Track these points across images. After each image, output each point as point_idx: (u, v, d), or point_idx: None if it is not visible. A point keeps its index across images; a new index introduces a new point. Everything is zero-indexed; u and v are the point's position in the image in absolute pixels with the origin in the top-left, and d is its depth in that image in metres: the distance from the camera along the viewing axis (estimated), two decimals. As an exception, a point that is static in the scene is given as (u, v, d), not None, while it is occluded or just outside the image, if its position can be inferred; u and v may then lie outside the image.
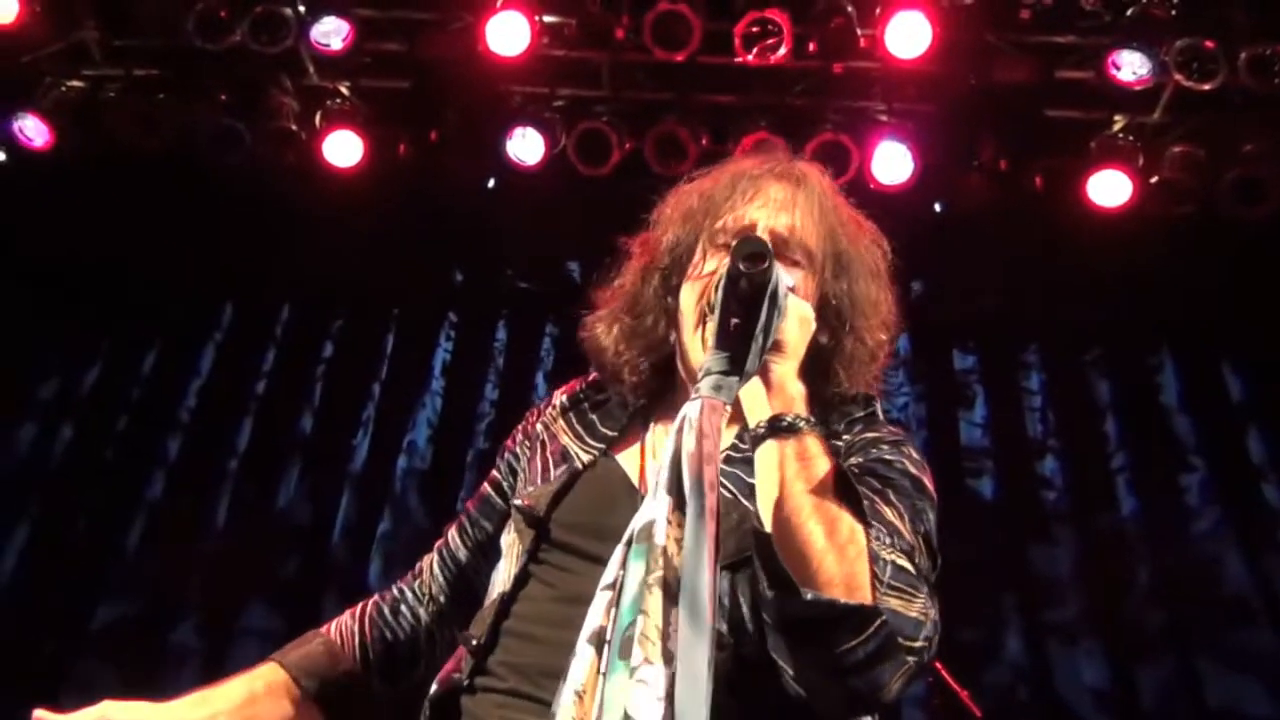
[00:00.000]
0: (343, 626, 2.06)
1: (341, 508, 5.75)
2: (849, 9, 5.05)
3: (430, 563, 2.12)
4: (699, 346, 1.77)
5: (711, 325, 1.63)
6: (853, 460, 1.76)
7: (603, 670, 1.34)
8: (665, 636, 1.32)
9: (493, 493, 2.08)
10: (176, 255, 6.07)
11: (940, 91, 5.26)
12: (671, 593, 1.35)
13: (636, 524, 1.44)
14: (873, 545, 1.54)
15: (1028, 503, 5.67)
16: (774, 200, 1.89)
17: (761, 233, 1.80)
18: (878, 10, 4.97)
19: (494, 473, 2.10)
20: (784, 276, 1.63)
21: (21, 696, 5.03)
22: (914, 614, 1.53)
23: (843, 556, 1.49)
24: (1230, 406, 5.78)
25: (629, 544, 1.43)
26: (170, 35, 5.23)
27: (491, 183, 5.79)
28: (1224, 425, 5.73)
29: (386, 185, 5.57)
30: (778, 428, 1.58)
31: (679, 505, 1.41)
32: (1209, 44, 4.84)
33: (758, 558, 1.50)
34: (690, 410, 1.50)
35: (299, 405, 6.06)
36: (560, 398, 2.08)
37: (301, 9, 5.10)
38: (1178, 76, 4.87)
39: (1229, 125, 5.17)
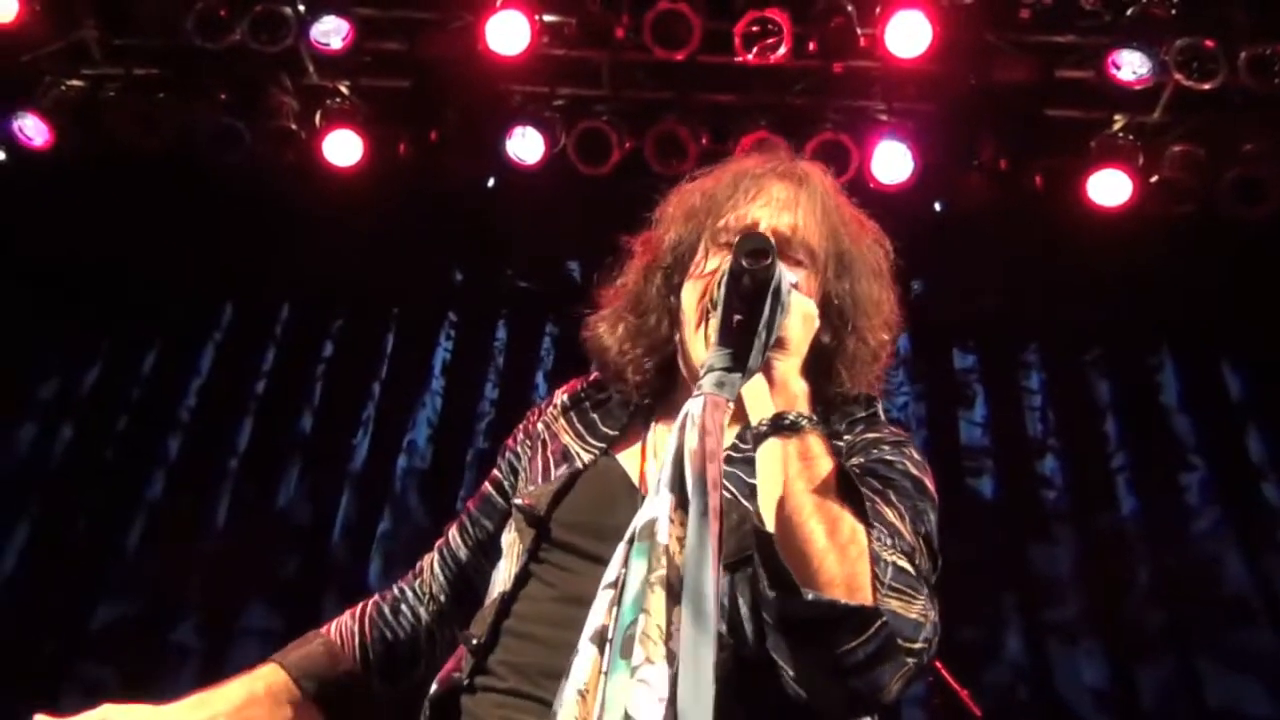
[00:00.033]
0: (343, 627, 2.05)
1: (341, 507, 5.75)
2: (849, 8, 5.05)
3: (431, 562, 2.12)
4: (700, 345, 1.77)
5: (714, 322, 1.63)
6: (854, 461, 1.76)
7: (605, 669, 1.34)
8: (667, 636, 1.32)
9: (494, 492, 2.08)
10: (176, 255, 6.07)
11: (940, 91, 5.26)
12: (674, 592, 1.34)
13: (639, 521, 1.43)
14: (874, 546, 1.53)
15: (1028, 502, 5.66)
16: (776, 199, 1.89)
17: (764, 231, 1.80)
18: (877, 9, 4.97)
19: (495, 472, 2.10)
20: (787, 273, 1.62)
21: (21, 696, 5.06)
22: (914, 616, 1.53)
23: (844, 557, 1.49)
24: (1230, 406, 5.78)
25: (631, 542, 1.42)
26: (170, 34, 5.22)
27: (491, 182, 5.78)
28: (1224, 425, 5.73)
29: (386, 185, 5.57)
30: (780, 426, 1.58)
31: (681, 503, 1.40)
32: (1209, 43, 4.84)
33: (759, 557, 1.50)
34: (693, 407, 1.49)
35: (299, 405, 6.06)
36: (561, 397, 2.08)
37: (301, 8, 5.09)
38: (1178, 76, 4.87)
39: (1229, 125, 5.17)
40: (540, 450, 1.99)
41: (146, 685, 5.03)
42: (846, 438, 1.82)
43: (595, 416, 2.00)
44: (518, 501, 1.91)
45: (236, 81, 5.40)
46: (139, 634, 5.41)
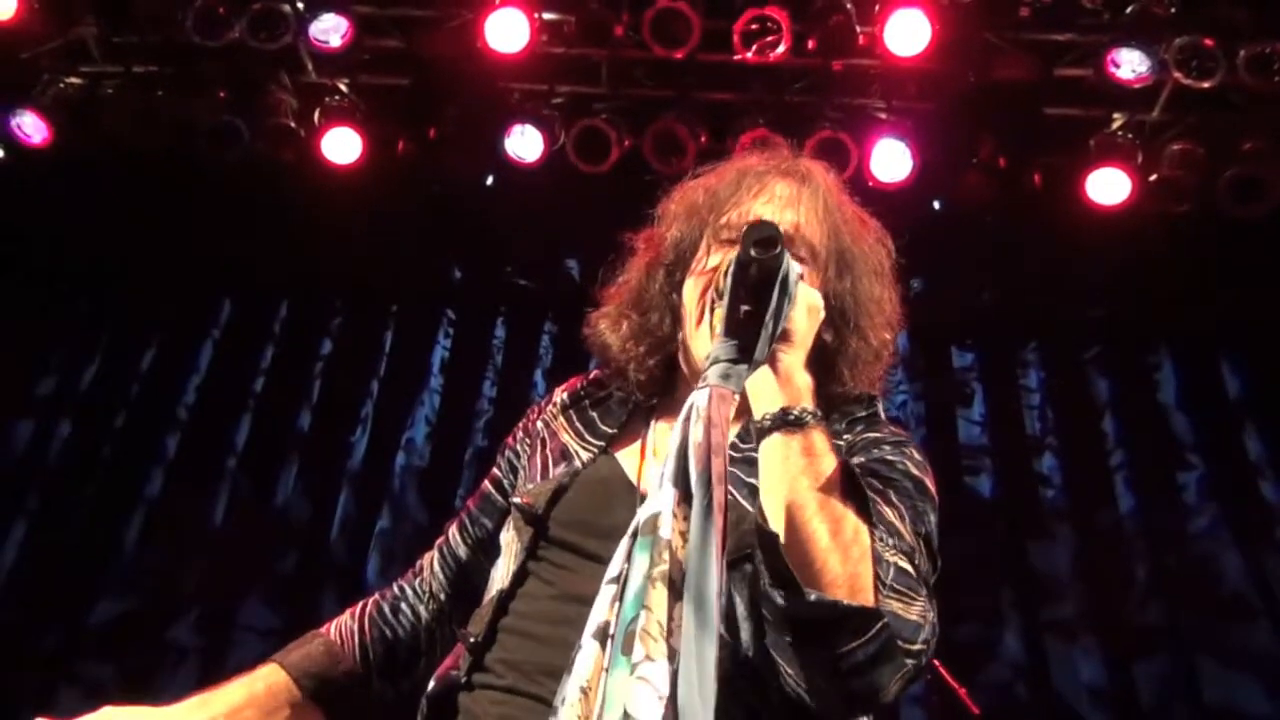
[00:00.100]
0: (343, 626, 2.05)
1: (340, 505, 5.75)
2: (848, 6, 5.05)
3: (431, 560, 2.12)
4: (702, 341, 1.77)
5: (720, 313, 1.60)
6: (854, 460, 1.75)
7: (605, 666, 1.33)
8: (668, 633, 1.31)
9: (493, 490, 2.08)
10: (175, 252, 6.07)
11: (939, 89, 5.26)
12: (675, 588, 1.33)
13: (642, 515, 1.42)
14: (876, 546, 1.53)
15: (1026, 500, 5.67)
16: (779, 197, 1.89)
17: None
18: (877, 8, 4.98)
19: (494, 470, 2.10)
20: (794, 263, 1.60)
21: (20, 693, 5.06)
22: (913, 617, 1.53)
23: (847, 557, 1.49)
24: (1228, 404, 5.79)
25: (634, 536, 1.41)
26: (169, 32, 5.22)
27: (490, 180, 5.78)
28: (1222, 423, 5.74)
29: (385, 182, 5.57)
30: (784, 421, 1.57)
31: (685, 497, 1.39)
32: (1208, 42, 4.85)
33: (762, 555, 1.50)
34: (698, 399, 1.48)
35: (297, 402, 6.06)
36: (561, 395, 2.07)
37: (300, 6, 5.10)
38: (1177, 74, 4.88)
39: (1228, 123, 5.18)
40: (539, 449, 1.99)
41: (145, 682, 5.03)
42: (846, 437, 1.82)
43: (594, 415, 2.00)
44: (516, 500, 1.91)
45: (235, 79, 5.40)
46: (137, 631, 5.41)
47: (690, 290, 1.86)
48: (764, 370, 1.58)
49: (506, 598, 1.81)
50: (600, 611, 1.39)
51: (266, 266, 6.18)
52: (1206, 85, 4.86)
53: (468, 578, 2.04)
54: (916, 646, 1.51)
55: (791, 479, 1.53)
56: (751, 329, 1.55)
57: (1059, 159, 5.34)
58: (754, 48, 5.04)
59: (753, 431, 1.62)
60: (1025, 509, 5.64)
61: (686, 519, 1.37)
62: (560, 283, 6.17)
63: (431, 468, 5.89)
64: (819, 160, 2.00)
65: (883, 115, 5.35)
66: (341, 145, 5.39)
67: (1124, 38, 4.95)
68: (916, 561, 1.61)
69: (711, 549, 1.32)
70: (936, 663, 3.35)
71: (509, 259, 6.31)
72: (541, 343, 6.17)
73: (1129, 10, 5.02)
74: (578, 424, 1.99)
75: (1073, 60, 5.19)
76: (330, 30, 5.15)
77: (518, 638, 1.76)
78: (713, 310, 1.76)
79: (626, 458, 1.88)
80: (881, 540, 1.56)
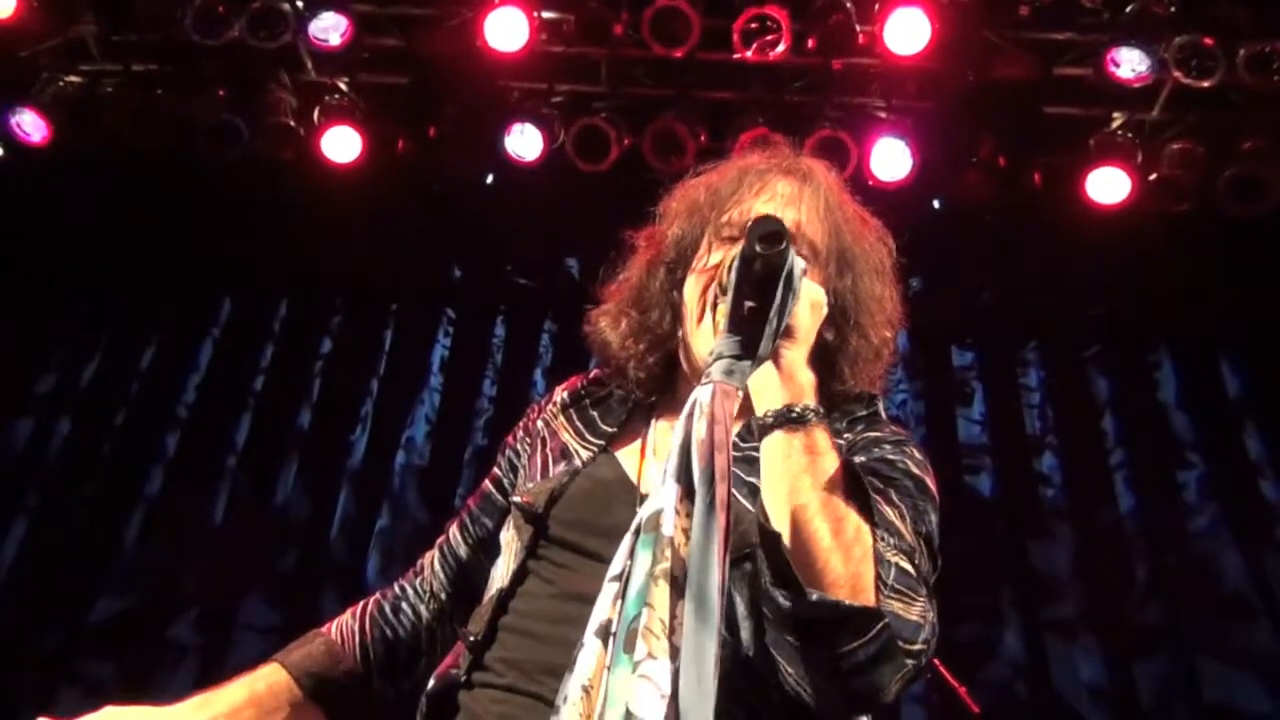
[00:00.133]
0: (343, 626, 2.05)
1: (339, 503, 5.75)
2: (848, 5, 5.05)
3: (431, 559, 2.12)
4: (703, 339, 1.77)
5: (723, 308, 1.60)
6: (855, 459, 1.74)
7: (608, 664, 1.32)
8: (671, 631, 1.30)
9: (493, 489, 2.08)
10: (174, 250, 6.07)
11: (939, 88, 5.26)
12: (678, 585, 1.32)
13: (645, 512, 1.41)
14: (878, 546, 1.53)
15: (1026, 499, 5.67)
16: (780, 195, 1.89)
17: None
18: (876, 7, 4.98)
19: (495, 469, 2.10)
20: (798, 259, 1.59)
21: (20, 692, 5.06)
22: (914, 617, 1.53)
23: (848, 557, 1.49)
24: (1228, 403, 5.79)
25: (637, 533, 1.40)
26: (169, 30, 5.22)
27: (490, 179, 5.78)
28: (1222, 422, 5.74)
29: (385, 181, 5.57)
30: (787, 419, 1.56)
31: (687, 494, 1.38)
32: (1208, 41, 4.85)
33: (764, 555, 1.49)
34: (701, 395, 1.47)
35: (297, 401, 6.06)
36: (561, 394, 2.07)
37: (300, 4, 5.10)
38: (1177, 73, 4.88)
39: (1228, 122, 5.18)
40: (539, 448, 1.99)
41: (145, 681, 5.03)
42: (847, 436, 1.81)
43: (595, 414, 2.00)
44: (516, 499, 1.91)
45: (235, 78, 5.40)
46: (137, 630, 5.41)
47: (691, 288, 1.86)
48: (767, 366, 1.57)
49: (506, 596, 1.81)
50: (602, 609, 1.38)
51: (266, 265, 6.18)
52: (1206, 84, 4.86)
53: (468, 577, 2.04)
54: (917, 647, 1.51)
55: (793, 477, 1.53)
56: (755, 325, 1.54)
57: (1059, 158, 5.35)
58: (754, 46, 5.04)
59: (755, 429, 1.62)
60: (1025, 508, 5.64)
61: (689, 516, 1.36)
62: (560, 281, 6.17)
63: (431, 466, 5.89)
64: (820, 159, 2.00)
65: (882, 114, 5.35)
66: (341, 144, 5.40)
67: (1124, 37, 4.95)
68: (917, 561, 1.60)
69: (713, 546, 1.32)
70: (936, 662, 3.35)
71: (509, 258, 6.31)
72: (541, 341, 6.17)
73: (1129, 9, 5.03)
74: (578, 423, 1.99)
75: (1072, 59, 5.19)
76: (330, 29, 5.16)
77: (518, 636, 1.76)
78: (715, 307, 1.75)
79: (627, 457, 1.88)
80: (883, 540, 1.56)
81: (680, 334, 1.88)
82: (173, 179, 5.66)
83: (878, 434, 1.82)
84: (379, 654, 2.02)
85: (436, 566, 2.10)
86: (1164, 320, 5.95)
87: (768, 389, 1.59)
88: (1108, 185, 5.18)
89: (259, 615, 5.45)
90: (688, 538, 1.35)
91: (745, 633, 1.57)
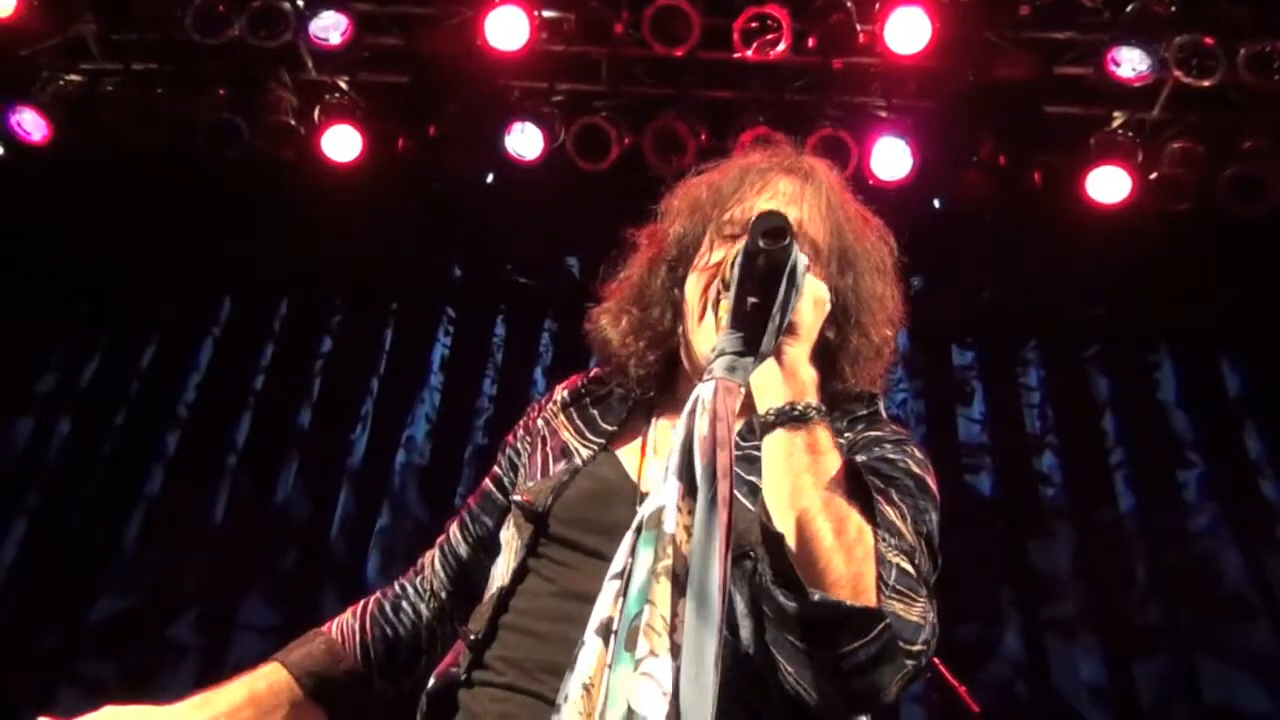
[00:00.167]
0: (344, 625, 2.05)
1: (340, 503, 5.75)
2: (848, 4, 5.05)
3: (432, 558, 2.12)
4: (704, 337, 1.77)
5: (726, 304, 1.59)
6: (856, 459, 1.75)
7: (609, 662, 1.32)
8: (672, 628, 1.30)
9: (493, 488, 2.08)
10: (175, 249, 6.07)
11: (939, 87, 5.26)
12: (680, 583, 1.32)
13: (646, 510, 1.41)
14: (879, 547, 1.53)
15: (1026, 499, 5.67)
16: (782, 193, 1.89)
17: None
18: (877, 6, 4.98)
19: (495, 468, 2.10)
20: (801, 255, 1.58)
21: (20, 692, 5.06)
22: (914, 618, 1.52)
23: (850, 557, 1.48)
24: (1228, 403, 5.79)
25: (639, 530, 1.40)
26: (169, 29, 5.22)
27: (490, 178, 5.78)
28: (1222, 421, 5.74)
29: (385, 180, 5.57)
30: (789, 417, 1.56)
31: (689, 491, 1.38)
32: (1208, 40, 4.85)
33: (767, 555, 1.49)
34: (704, 391, 1.47)
35: (297, 400, 6.06)
36: (561, 393, 2.07)
37: (300, 3, 5.10)
38: (1177, 73, 4.88)
39: (1228, 122, 5.18)
40: (540, 446, 1.99)
41: (145, 681, 5.03)
42: (848, 435, 1.81)
43: (595, 412, 2.00)
44: (516, 498, 1.91)
45: (235, 77, 5.40)
46: (137, 629, 5.41)
47: (692, 285, 1.86)
48: (769, 363, 1.57)
49: (507, 595, 1.81)
50: (604, 607, 1.38)
51: (266, 264, 6.18)
52: (1207, 84, 4.86)
53: (469, 576, 2.04)
54: (917, 647, 1.51)
55: (795, 476, 1.52)
56: (758, 321, 1.54)
57: (1059, 157, 5.35)
58: (754, 46, 5.04)
59: (756, 426, 1.61)
60: (1025, 507, 5.64)
61: (691, 513, 1.36)
62: (560, 280, 6.17)
63: (431, 465, 5.89)
64: (821, 158, 2.00)
65: (883, 113, 5.35)
66: (341, 143, 5.40)
67: (1124, 36, 4.95)
68: (917, 561, 1.60)
69: (715, 544, 1.31)
70: (936, 661, 3.35)
71: (509, 257, 6.31)
72: (541, 340, 6.17)
73: (1129, 9, 5.03)
74: (578, 421, 1.99)
75: (1073, 59, 5.19)
76: (330, 28, 5.16)
77: (518, 635, 1.76)
78: (717, 303, 1.75)
79: (627, 455, 1.88)
80: (884, 540, 1.55)
81: (681, 332, 1.88)
82: (173, 178, 5.66)
83: (878, 433, 1.82)
84: (379, 653, 2.02)
85: (437, 565, 2.10)
86: (1164, 320, 5.95)
87: (770, 386, 1.59)
88: (1108, 184, 5.18)
89: (259, 615, 5.45)
90: (689, 535, 1.35)
91: (745, 631, 1.57)
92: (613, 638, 1.33)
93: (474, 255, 6.33)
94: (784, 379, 1.58)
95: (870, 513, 1.54)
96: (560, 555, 1.79)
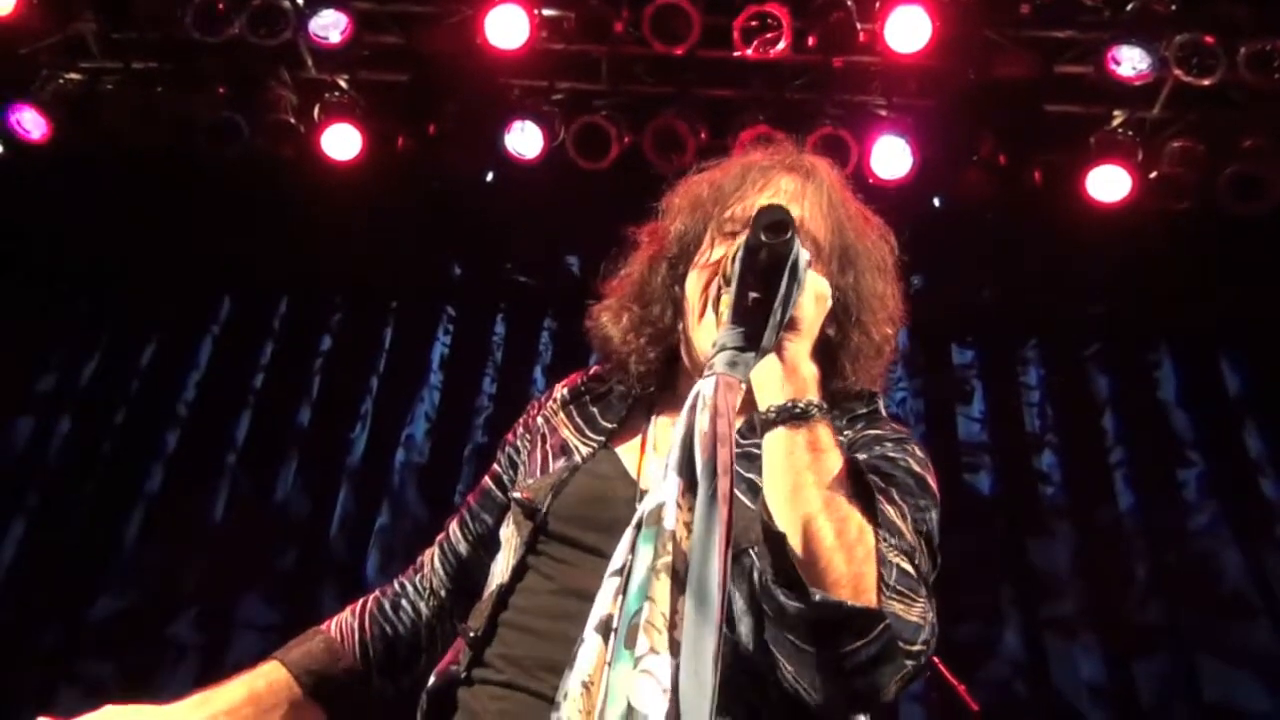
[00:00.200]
0: (343, 624, 2.05)
1: (339, 501, 5.75)
2: (849, 3, 5.05)
3: (431, 556, 2.12)
4: (704, 334, 1.76)
5: (727, 299, 1.59)
6: (856, 457, 1.74)
7: (609, 659, 1.31)
8: (672, 625, 1.29)
9: (493, 486, 2.08)
10: (174, 248, 6.07)
11: (940, 86, 5.25)
12: (679, 579, 1.32)
13: (646, 506, 1.40)
14: (879, 546, 1.52)
15: (1026, 497, 5.67)
16: (783, 191, 1.88)
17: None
18: (877, 5, 4.97)
19: (494, 466, 2.10)
20: (803, 250, 1.58)
21: (20, 692, 5.06)
22: (914, 618, 1.53)
23: (851, 557, 1.48)
24: (1228, 402, 5.78)
25: (639, 527, 1.39)
26: (169, 28, 5.22)
27: (490, 176, 5.78)
28: (1222, 420, 5.74)
29: (385, 178, 5.57)
30: (790, 414, 1.55)
31: (689, 487, 1.37)
32: (1209, 39, 4.85)
33: (768, 553, 1.49)
34: (704, 387, 1.46)
35: (297, 398, 6.06)
36: (561, 391, 2.08)
37: (300, 1, 5.10)
38: (1177, 72, 4.88)
39: (1228, 121, 5.18)
40: (539, 444, 1.99)
41: (145, 680, 5.03)
42: (848, 433, 1.81)
43: (595, 410, 2.00)
44: (516, 495, 1.91)
45: (235, 75, 5.40)
46: (137, 628, 5.41)
47: (693, 283, 1.86)
48: (770, 359, 1.56)
49: (506, 592, 1.81)
50: (603, 604, 1.37)
51: (266, 263, 6.18)
52: (1207, 83, 4.86)
53: (468, 573, 2.04)
54: (916, 647, 1.51)
55: (796, 474, 1.52)
56: (759, 316, 1.53)
57: (1059, 156, 5.34)
58: (754, 44, 5.04)
59: (757, 423, 1.61)
60: (1025, 506, 5.64)
61: (691, 510, 1.35)
62: (560, 279, 6.17)
63: (431, 464, 5.89)
64: (824, 156, 2.00)
65: (883, 112, 5.35)
66: (341, 141, 5.39)
67: (1124, 35, 4.95)
68: (917, 561, 1.60)
69: (715, 540, 1.31)
70: (936, 660, 3.35)
71: (509, 255, 6.31)
72: (541, 339, 6.17)
73: (1129, 7, 5.03)
74: (578, 419, 1.99)
75: (1073, 57, 5.19)
76: (330, 26, 5.15)
77: (517, 632, 1.76)
78: (718, 300, 1.75)
79: (627, 452, 1.88)
80: (884, 540, 1.55)
81: (681, 329, 1.88)
82: (173, 177, 5.66)
83: (878, 432, 1.82)
84: (379, 651, 2.02)
85: (436, 563, 2.10)
86: (1164, 318, 5.95)
87: (771, 382, 1.58)
88: (1108, 183, 5.18)
89: (259, 613, 5.45)
90: (689, 531, 1.34)
91: (744, 629, 1.57)
92: (612, 635, 1.33)
93: (474, 254, 6.33)
94: (785, 375, 1.58)
95: (871, 512, 1.53)
96: (560, 552, 1.79)
